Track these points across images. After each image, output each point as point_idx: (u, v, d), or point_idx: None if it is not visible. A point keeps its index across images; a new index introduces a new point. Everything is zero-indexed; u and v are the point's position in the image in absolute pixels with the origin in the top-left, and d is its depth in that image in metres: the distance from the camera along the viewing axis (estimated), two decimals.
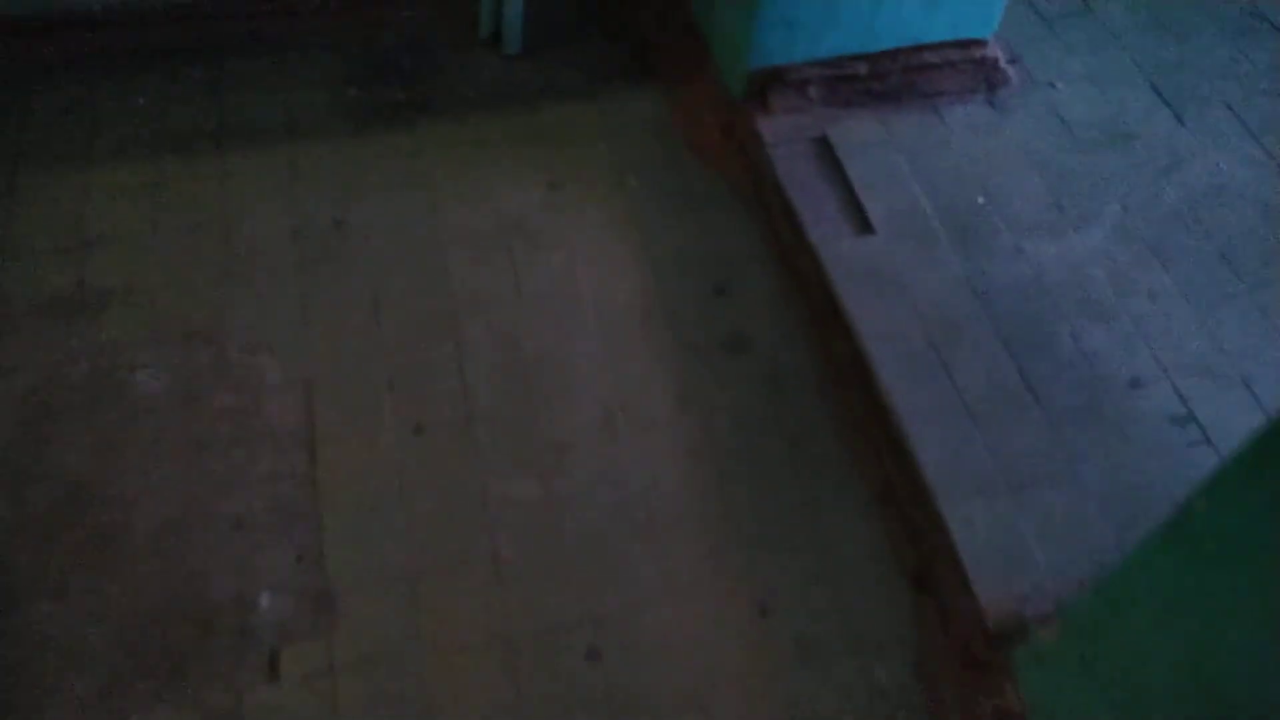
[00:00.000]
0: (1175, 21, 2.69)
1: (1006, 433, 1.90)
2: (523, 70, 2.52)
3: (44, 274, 2.05)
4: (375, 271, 2.11)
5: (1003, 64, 2.47)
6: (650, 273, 2.18)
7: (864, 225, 2.20)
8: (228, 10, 2.45)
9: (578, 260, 2.18)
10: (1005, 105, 2.45)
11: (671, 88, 2.53)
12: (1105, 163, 2.37)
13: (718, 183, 2.35)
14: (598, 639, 1.72)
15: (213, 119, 2.34)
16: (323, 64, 2.47)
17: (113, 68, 2.41)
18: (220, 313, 2.03)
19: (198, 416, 1.89)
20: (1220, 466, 1.09)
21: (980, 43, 2.43)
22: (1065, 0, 2.72)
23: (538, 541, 1.81)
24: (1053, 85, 2.52)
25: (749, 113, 2.36)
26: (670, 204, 2.30)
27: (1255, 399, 1.98)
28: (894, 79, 2.40)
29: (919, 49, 2.39)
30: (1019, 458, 1.87)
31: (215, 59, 2.45)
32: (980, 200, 2.26)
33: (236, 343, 1.99)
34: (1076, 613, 1.41)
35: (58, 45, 2.38)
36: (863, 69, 2.37)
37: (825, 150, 2.32)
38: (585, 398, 1.97)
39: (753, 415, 1.98)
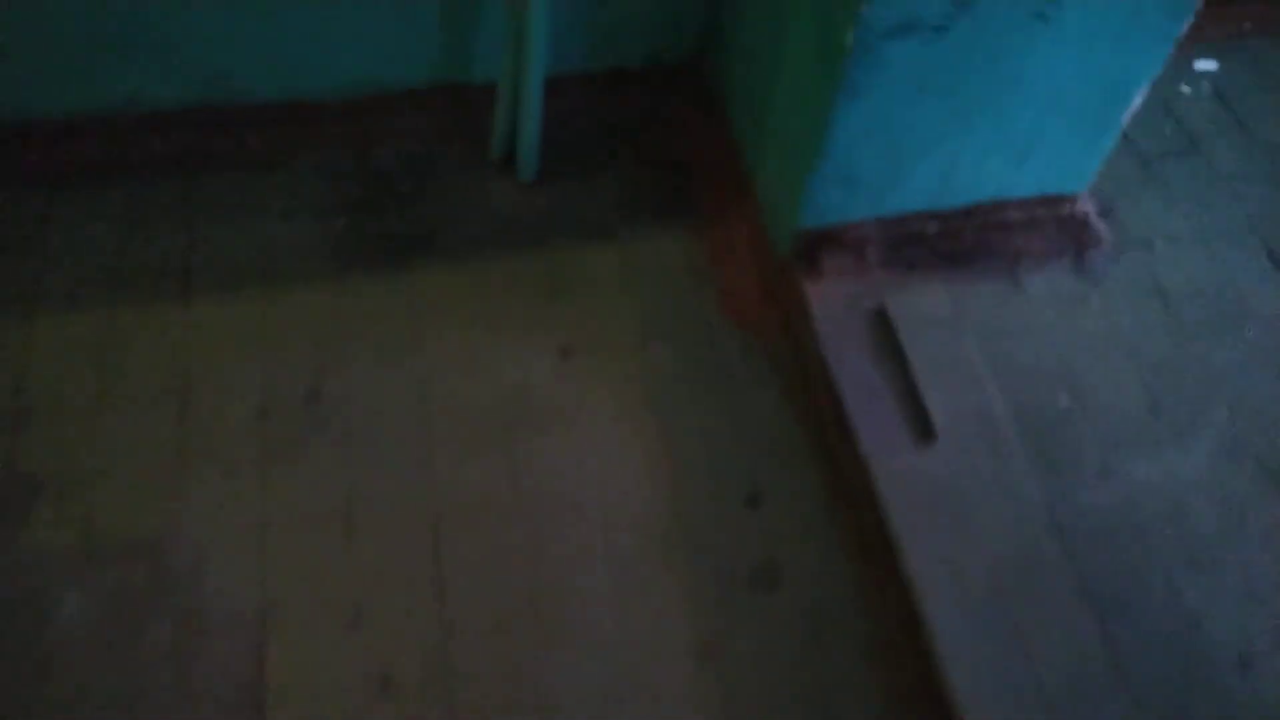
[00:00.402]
0: None
1: None
2: (539, 200, 2.20)
3: None
4: (350, 464, 1.81)
5: (1093, 220, 2.12)
6: (671, 474, 1.86)
7: (925, 430, 1.87)
8: (211, 120, 2.13)
9: (587, 454, 1.87)
10: (1095, 272, 2.10)
11: (709, 226, 2.20)
12: (1210, 351, 2.02)
13: (757, 356, 2.03)
14: None
15: (180, 254, 2.04)
16: (311, 185, 2.16)
17: (74, 185, 2.11)
18: (167, 516, 1.74)
19: (129, 659, 1.61)
20: None
21: (1070, 198, 2.08)
22: (1168, 135, 2.36)
23: None
24: (1150, 245, 2.17)
25: (795, 274, 2.02)
26: (700, 382, 1.98)
27: None
28: (967, 238, 2.06)
29: (999, 206, 2.05)
30: None
31: (190, 177, 2.14)
32: (1063, 402, 1.93)
33: (182, 557, 1.70)
34: None
35: (11, 159, 2.08)
36: (932, 228, 2.03)
37: (883, 327, 1.99)
38: (587, 648, 1.67)
39: (783, 677, 1.67)
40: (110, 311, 1.95)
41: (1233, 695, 1.63)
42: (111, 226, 2.06)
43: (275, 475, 1.79)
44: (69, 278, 1.98)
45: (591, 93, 2.29)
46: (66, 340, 1.90)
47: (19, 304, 1.94)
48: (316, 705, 1.58)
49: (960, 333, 1.99)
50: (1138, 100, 1.87)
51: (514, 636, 1.66)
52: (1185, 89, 2.46)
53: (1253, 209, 2.25)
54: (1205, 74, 2.49)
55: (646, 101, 2.32)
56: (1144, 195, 2.25)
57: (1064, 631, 1.68)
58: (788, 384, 1.99)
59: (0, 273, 1.97)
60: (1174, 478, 1.86)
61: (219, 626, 1.64)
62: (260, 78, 2.12)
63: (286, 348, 1.94)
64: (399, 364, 1.93)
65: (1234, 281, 2.13)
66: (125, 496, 1.75)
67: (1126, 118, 1.91)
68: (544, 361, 1.97)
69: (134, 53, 2.01)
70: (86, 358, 1.89)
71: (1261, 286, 2.13)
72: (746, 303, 2.09)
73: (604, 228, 2.17)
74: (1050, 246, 2.11)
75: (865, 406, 1.90)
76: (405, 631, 1.65)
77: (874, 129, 1.77)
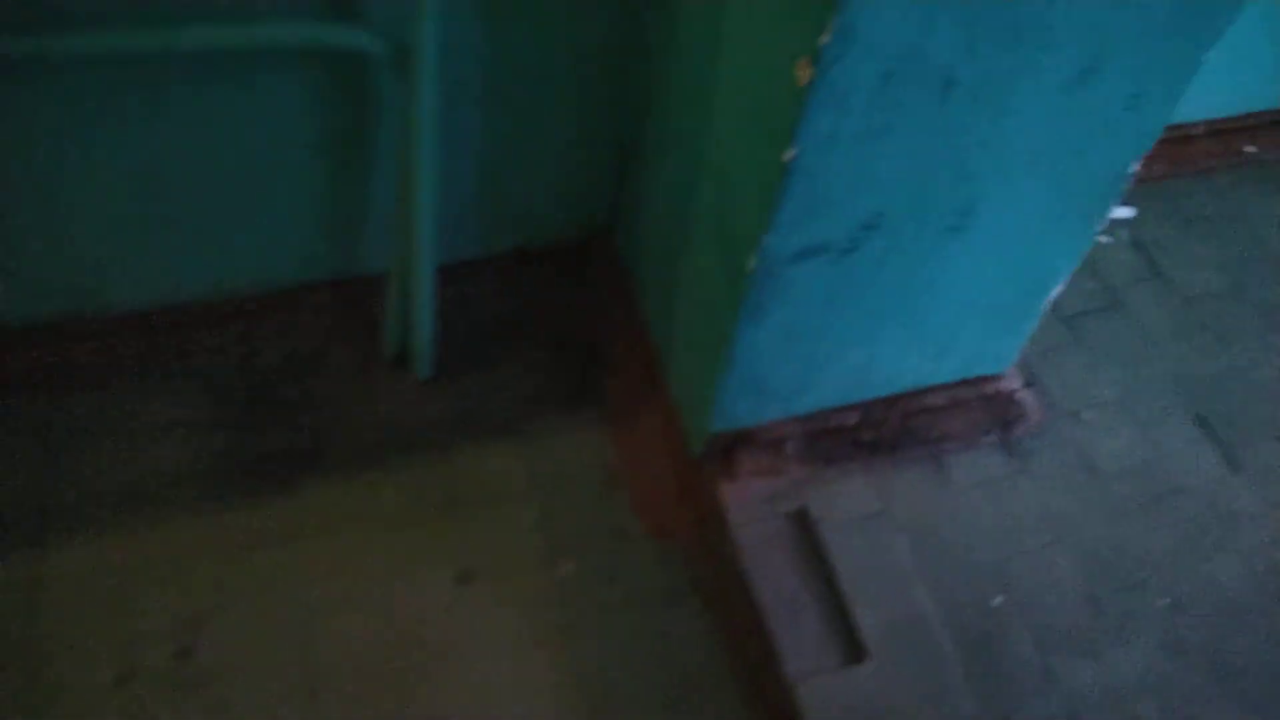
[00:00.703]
0: (1216, 319, 2.27)
1: None
2: (436, 400, 2.06)
3: None
4: None
5: (1018, 395, 2.03)
6: (583, 712, 1.70)
7: (853, 646, 1.74)
8: (77, 333, 1.97)
9: (489, 698, 1.71)
10: (1023, 449, 2.01)
11: (619, 419, 2.07)
12: (1145, 533, 1.93)
13: (673, 567, 1.89)
14: None
15: (37, 489, 1.86)
16: (187, 398, 2.00)
17: None
18: None
19: None
20: None
21: (993, 378, 1.99)
22: (1089, 292, 2.29)
23: None
24: (1078, 416, 2.08)
25: (710, 474, 1.90)
26: (612, 603, 1.84)
27: None
28: (889, 427, 1.96)
29: (920, 393, 1.95)
30: None
31: (53, 396, 1.97)
32: (997, 600, 1.82)
33: None
34: None
35: None
36: (852, 419, 1.93)
37: (805, 529, 1.87)
38: None
39: None
40: None
41: None
42: None
43: None
44: None
45: (491, 277, 2.18)
46: None
47: None
48: None
49: (886, 529, 1.88)
50: (1059, 289, 1.79)
51: None
52: (1104, 238, 2.41)
53: (1177, 368, 2.18)
54: (1123, 222, 2.44)
55: (551, 283, 2.20)
56: (1068, 360, 2.17)
57: None
58: (706, 598, 1.86)
59: None
60: (1118, 678, 1.75)
61: None
62: (132, 287, 1.97)
63: (154, 597, 1.76)
64: (281, 606, 1.77)
65: (1163, 453, 2.04)
66: None
67: (1048, 304, 1.83)
68: (441, 590, 1.82)
69: None
70: None
71: (1191, 456, 2.05)
72: (661, 506, 1.96)
73: (507, 426, 2.04)
74: (975, 427, 2.02)
75: (789, 623, 1.76)
76: None
77: (782, 341, 1.66)
